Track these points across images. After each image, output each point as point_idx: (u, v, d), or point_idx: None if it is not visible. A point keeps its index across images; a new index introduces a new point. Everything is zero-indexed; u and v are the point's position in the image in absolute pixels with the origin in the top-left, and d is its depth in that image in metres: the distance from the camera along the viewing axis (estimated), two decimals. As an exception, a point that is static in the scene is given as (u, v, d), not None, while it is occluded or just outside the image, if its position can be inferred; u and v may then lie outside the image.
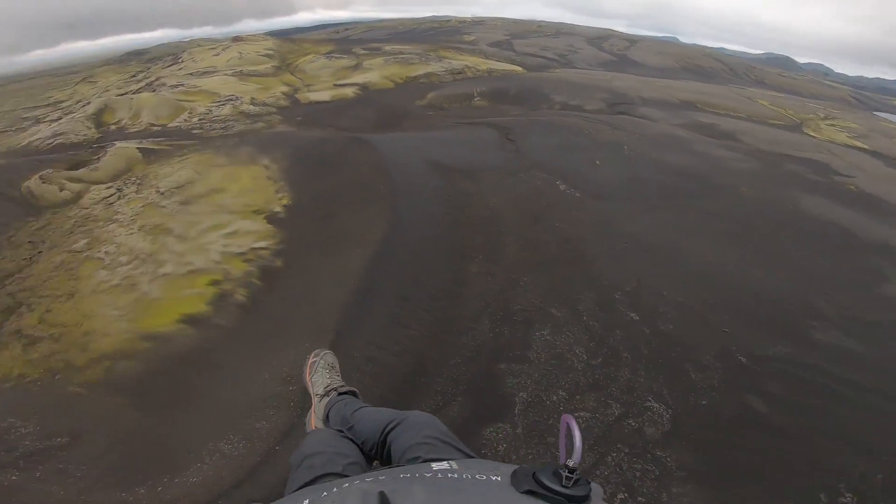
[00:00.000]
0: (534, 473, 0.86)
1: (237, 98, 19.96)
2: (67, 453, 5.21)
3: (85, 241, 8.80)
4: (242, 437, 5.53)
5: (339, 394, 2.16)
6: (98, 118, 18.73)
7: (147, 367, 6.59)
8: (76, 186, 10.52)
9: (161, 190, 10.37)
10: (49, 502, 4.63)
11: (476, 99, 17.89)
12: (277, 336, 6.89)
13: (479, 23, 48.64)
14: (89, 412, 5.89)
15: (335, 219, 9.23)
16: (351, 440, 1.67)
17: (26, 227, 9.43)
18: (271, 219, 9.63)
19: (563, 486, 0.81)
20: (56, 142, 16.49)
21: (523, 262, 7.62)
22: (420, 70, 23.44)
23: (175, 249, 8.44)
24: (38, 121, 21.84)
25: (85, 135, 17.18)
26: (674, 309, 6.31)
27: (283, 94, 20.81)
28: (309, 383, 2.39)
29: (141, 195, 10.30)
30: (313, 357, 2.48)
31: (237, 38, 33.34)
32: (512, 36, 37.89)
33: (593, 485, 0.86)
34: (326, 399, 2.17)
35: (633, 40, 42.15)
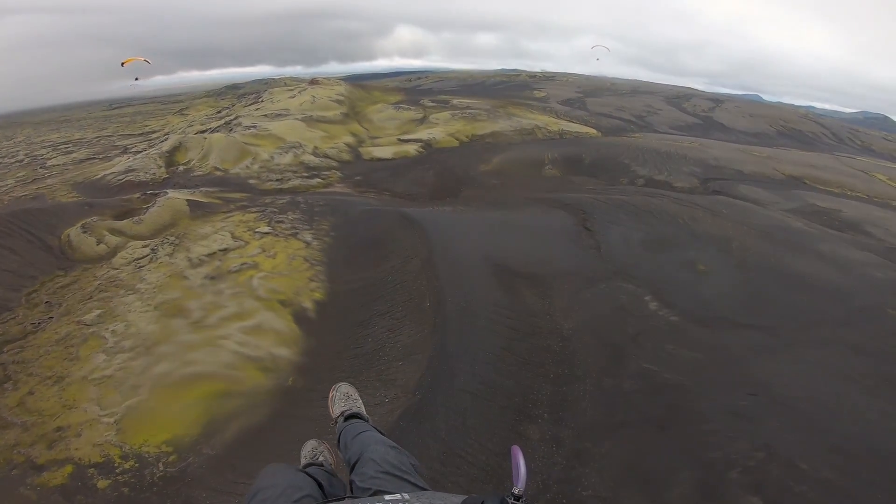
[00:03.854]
0: (482, 502, 1.03)
1: (300, 146, 19.84)
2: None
3: (98, 312, 7.93)
4: None
5: (346, 418, 2.21)
6: (171, 156, 19.18)
7: (117, 490, 5.33)
8: (115, 240, 10.00)
9: (192, 257, 9.45)
10: None
11: (547, 167, 16.23)
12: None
13: (549, 78, 48.35)
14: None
15: (368, 332, 7.63)
16: (307, 475, 1.76)
17: (51, 283, 8.84)
18: (299, 317, 8.20)
19: None
20: (126, 178, 16.80)
21: (599, 425, 5.68)
22: (487, 128, 22.41)
23: (182, 339, 7.24)
24: (125, 150, 23.07)
25: (153, 173, 17.44)
26: (817, 490, 4.38)
27: (347, 145, 20.50)
28: (332, 415, 2.41)
29: (172, 260, 9.43)
30: (332, 392, 2.48)
31: (314, 81, 34.81)
32: (584, 93, 36.57)
33: None
34: (337, 425, 2.21)
35: (717, 100, 39.28)
